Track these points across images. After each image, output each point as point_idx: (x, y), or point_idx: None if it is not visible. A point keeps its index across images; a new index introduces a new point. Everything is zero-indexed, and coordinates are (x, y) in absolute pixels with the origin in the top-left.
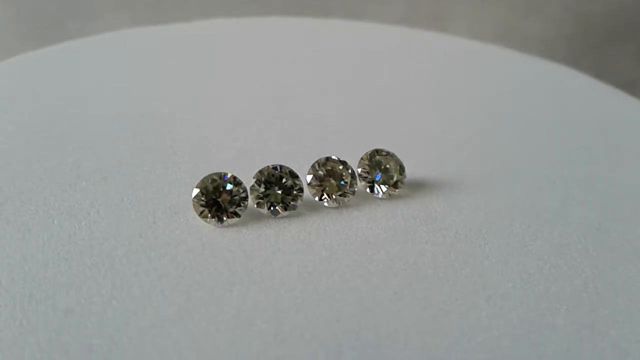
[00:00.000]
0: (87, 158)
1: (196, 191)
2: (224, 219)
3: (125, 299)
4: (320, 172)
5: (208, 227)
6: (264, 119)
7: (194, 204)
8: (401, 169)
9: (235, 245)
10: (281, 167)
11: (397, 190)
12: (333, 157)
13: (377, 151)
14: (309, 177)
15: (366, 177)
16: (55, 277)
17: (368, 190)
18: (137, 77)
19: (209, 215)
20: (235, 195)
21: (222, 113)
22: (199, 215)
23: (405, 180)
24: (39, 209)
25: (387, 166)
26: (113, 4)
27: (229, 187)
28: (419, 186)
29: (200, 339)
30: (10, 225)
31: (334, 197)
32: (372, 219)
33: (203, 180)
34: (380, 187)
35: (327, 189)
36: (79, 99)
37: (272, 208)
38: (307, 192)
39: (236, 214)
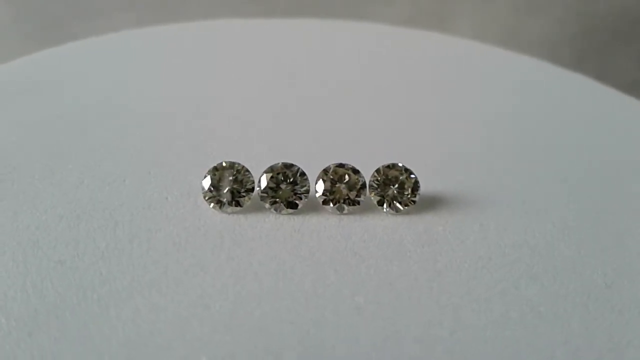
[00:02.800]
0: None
1: (208, 176)
2: (226, 205)
3: (111, 262)
4: (331, 177)
5: (210, 212)
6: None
7: (202, 187)
8: (414, 187)
9: (228, 231)
10: (291, 165)
11: (405, 207)
12: (346, 164)
13: (394, 165)
14: (319, 181)
15: (376, 189)
16: (63, 230)
17: (376, 202)
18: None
19: (213, 200)
20: (242, 186)
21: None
22: (205, 199)
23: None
24: (73, 172)
25: (401, 182)
26: (117, 4)
27: (238, 177)
28: (428, 202)
29: (162, 306)
30: (46, 181)
31: (338, 203)
32: (369, 231)
33: (216, 167)
34: (390, 202)
35: (335, 194)
36: (97, 95)
37: (275, 204)
38: (312, 194)
39: (238, 204)
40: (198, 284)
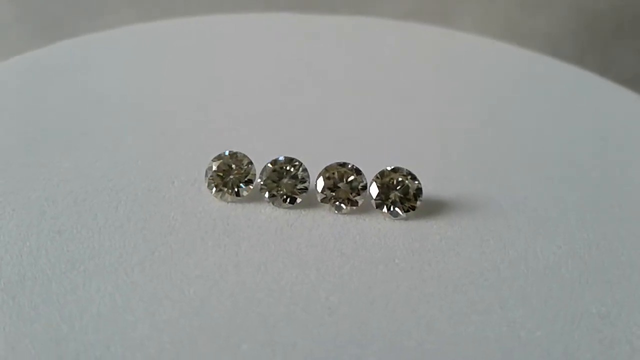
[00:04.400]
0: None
1: (213, 163)
2: (226, 194)
3: (105, 237)
4: (332, 175)
5: (211, 199)
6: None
7: (206, 174)
8: (417, 193)
9: (223, 219)
10: (293, 159)
11: (405, 213)
12: (349, 163)
13: (398, 169)
14: (320, 179)
15: (378, 192)
16: (69, 204)
17: (375, 205)
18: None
19: (213, 187)
20: (243, 176)
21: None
22: (207, 186)
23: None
24: (90, 152)
25: (403, 186)
26: (119, 1)
27: (241, 167)
28: (430, 207)
29: (141, 284)
30: (64, 157)
31: (337, 203)
32: (362, 233)
33: (220, 155)
34: (390, 207)
35: (335, 193)
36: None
37: (273, 197)
38: (312, 191)
39: (237, 194)
40: (180, 267)
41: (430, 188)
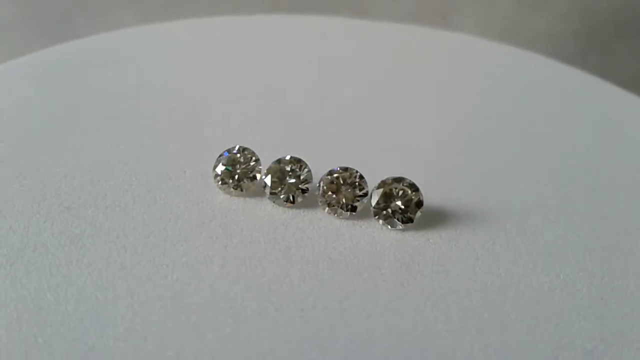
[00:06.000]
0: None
1: (222, 156)
2: (230, 187)
3: (109, 217)
4: (335, 179)
5: (216, 191)
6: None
7: (214, 166)
8: (417, 205)
9: (221, 212)
10: (298, 160)
11: (400, 225)
12: (352, 169)
13: (401, 179)
14: (322, 182)
15: (378, 202)
16: (84, 183)
17: (373, 213)
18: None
19: (219, 180)
20: (249, 172)
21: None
22: (213, 178)
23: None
24: (114, 136)
25: (405, 198)
26: (120, 1)
27: (249, 162)
28: (429, 218)
29: (128, 265)
30: (89, 139)
31: (335, 206)
32: (354, 239)
33: (230, 149)
34: (389, 217)
35: (336, 197)
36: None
37: (274, 195)
38: (313, 192)
39: (241, 188)
40: (169, 253)
41: (432, 197)
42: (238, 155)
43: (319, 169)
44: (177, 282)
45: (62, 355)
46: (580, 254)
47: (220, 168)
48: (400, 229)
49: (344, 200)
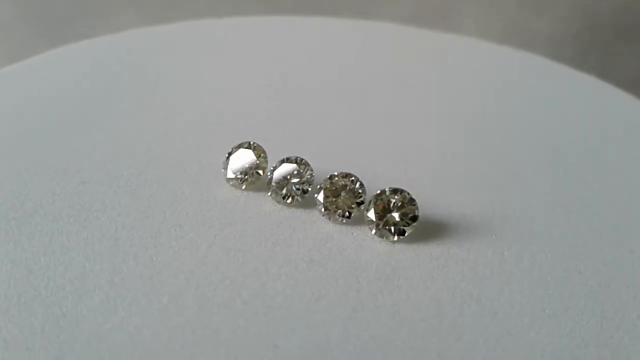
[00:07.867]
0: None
1: (232, 150)
2: (235, 180)
3: (117, 196)
4: (337, 183)
5: (223, 183)
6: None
7: (224, 159)
8: (412, 219)
9: (220, 203)
10: (302, 160)
11: (392, 237)
12: (352, 175)
13: (400, 191)
14: (321, 185)
15: (375, 213)
16: (103, 166)
17: (366, 222)
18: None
19: (226, 172)
20: (254, 168)
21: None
22: (222, 168)
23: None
24: (136, 127)
25: (401, 210)
26: (122, 3)
27: (258, 158)
28: (424, 229)
29: (120, 246)
30: (114, 129)
31: (330, 211)
32: (341, 245)
33: (241, 144)
34: (382, 228)
35: (333, 201)
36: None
37: (273, 192)
38: (312, 193)
39: (246, 182)
40: (161, 237)
41: (430, 208)
42: (247, 149)
43: (315, 168)
44: (159, 264)
45: (37, 316)
46: (574, 282)
47: (229, 160)
48: (391, 241)
49: (341, 206)
